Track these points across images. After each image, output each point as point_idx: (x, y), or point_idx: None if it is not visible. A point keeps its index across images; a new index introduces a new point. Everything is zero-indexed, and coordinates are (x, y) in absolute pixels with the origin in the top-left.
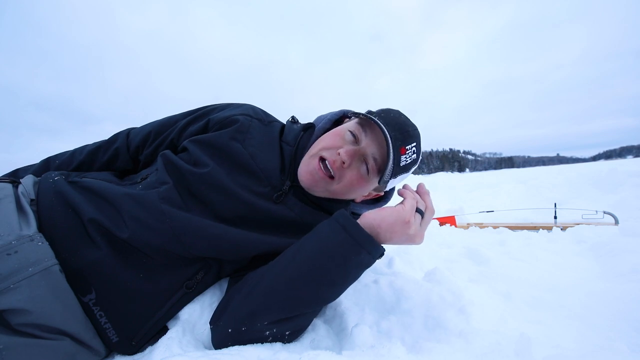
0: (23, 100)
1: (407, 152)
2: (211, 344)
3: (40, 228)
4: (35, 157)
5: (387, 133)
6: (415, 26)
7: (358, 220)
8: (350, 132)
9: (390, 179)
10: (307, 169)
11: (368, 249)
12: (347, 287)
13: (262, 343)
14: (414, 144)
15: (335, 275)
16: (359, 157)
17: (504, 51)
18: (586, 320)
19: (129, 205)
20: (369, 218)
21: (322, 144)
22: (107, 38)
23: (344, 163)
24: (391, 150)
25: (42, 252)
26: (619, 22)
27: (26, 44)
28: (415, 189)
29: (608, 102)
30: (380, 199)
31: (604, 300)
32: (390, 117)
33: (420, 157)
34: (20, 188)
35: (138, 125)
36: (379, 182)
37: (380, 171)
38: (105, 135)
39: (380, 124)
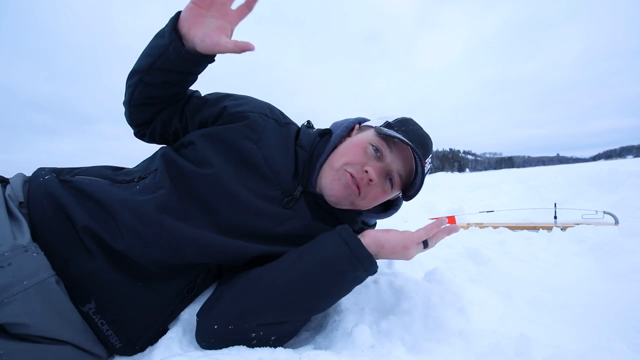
0: (22, 101)
1: (426, 164)
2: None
3: (34, 235)
4: (34, 157)
5: (417, 153)
6: (411, 26)
7: (362, 237)
8: (374, 146)
9: (415, 193)
10: (340, 182)
11: (365, 266)
12: (338, 299)
13: (245, 345)
14: (430, 154)
15: (330, 287)
16: (384, 173)
17: (501, 52)
18: (586, 320)
19: (125, 215)
20: (374, 237)
21: (345, 159)
22: (105, 39)
23: (371, 180)
24: (420, 168)
25: (37, 264)
26: (617, 22)
27: (25, 45)
28: (444, 222)
29: (607, 102)
30: (390, 207)
31: (604, 300)
32: (410, 129)
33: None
34: (8, 190)
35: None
36: (405, 199)
37: (404, 186)
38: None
39: (410, 144)
